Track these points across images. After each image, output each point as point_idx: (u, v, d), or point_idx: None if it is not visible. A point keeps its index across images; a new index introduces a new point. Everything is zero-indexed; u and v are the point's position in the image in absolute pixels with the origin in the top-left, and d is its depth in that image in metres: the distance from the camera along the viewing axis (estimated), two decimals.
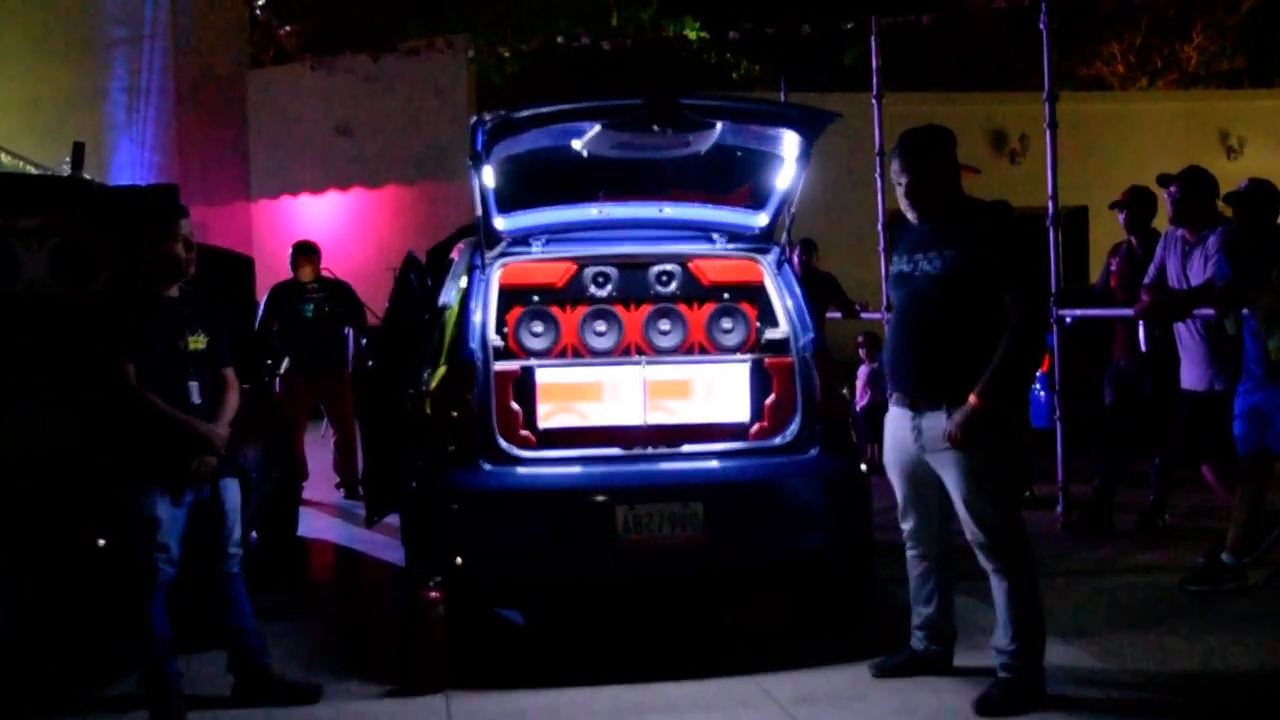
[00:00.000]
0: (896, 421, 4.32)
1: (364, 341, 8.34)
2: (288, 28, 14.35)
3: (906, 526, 4.43)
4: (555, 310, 5.47)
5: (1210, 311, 5.76)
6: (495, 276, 5.16)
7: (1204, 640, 4.81)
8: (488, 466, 4.73)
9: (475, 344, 4.92)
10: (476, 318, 4.99)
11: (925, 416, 4.17)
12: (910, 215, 4.32)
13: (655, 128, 4.87)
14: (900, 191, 4.28)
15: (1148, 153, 13.67)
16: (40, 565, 4.58)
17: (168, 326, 4.29)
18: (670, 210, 5.53)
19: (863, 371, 9.53)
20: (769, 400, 5.18)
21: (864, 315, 9.27)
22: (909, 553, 4.45)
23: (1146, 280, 6.27)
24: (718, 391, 5.25)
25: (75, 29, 14.76)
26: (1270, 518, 5.62)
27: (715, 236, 5.47)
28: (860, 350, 9.65)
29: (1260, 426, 5.35)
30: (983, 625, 4.54)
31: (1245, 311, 5.42)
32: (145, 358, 4.20)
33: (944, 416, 4.09)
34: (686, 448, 4.96)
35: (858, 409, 8.98)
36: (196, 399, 4.29)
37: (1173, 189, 6.08)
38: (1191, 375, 6.01)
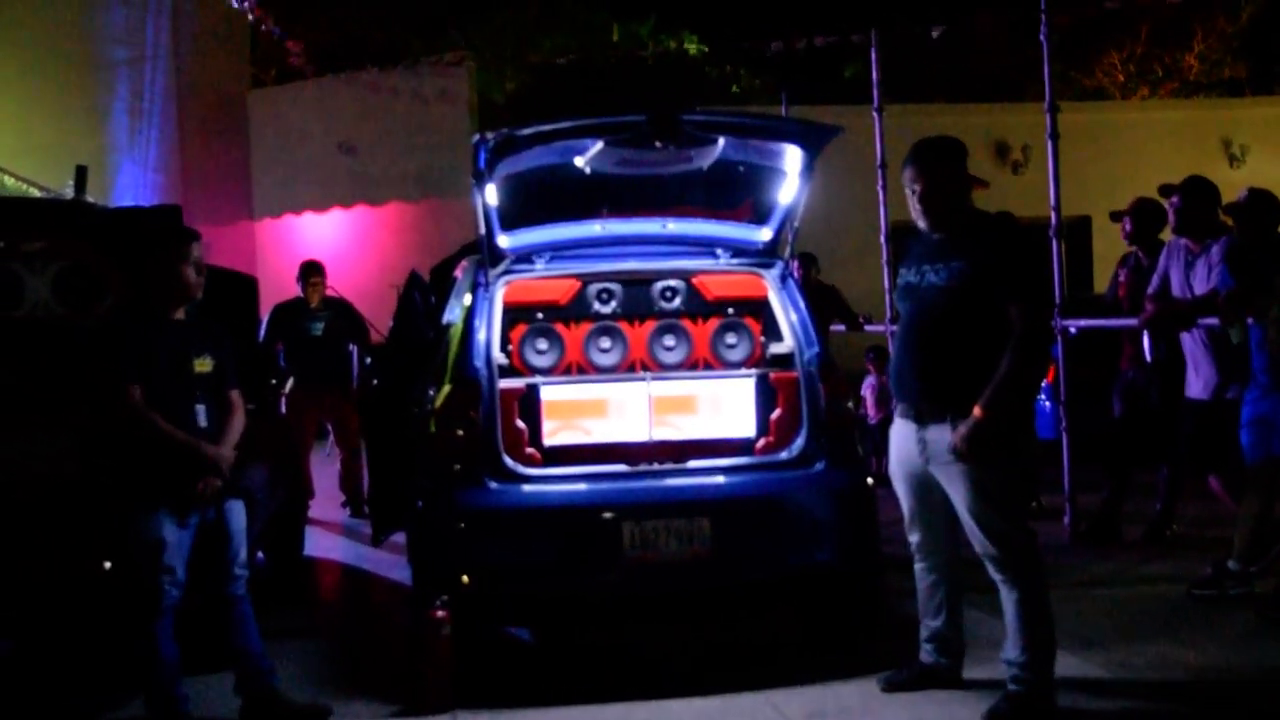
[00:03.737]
0: (902, 434, 4.31)
1: (368, 360, 8.33)
2: (282, 38, 14.26)
3: (914, 539, 4.41)
4: (559, 327, 5.47)
5: (1215, 320, 5.74)
6: (499, 294, 5.14)
7: (1211, 651, 4.79)
8: (494, 484, 4.71)
9: (480, 362, 4.90)
10: (481, 335, 4.97)
11: (930, 429, 4.15)
12: (922, 223, 4.30)
13: (658, 144, 4.86)
14: (913, 198, 4.27)
15: (1150, 162, 13.64)
16: (47, 589, 4.58)
17: (175, 349, 4.29)
18: (674, 226, 5.52)
19: (870, 384, 9.48)
20: (774, 415, 5.17)
21: (868, 328, 9.26)
22: (916, 566, 4.43)
23: (1150, 290, 6.24)
24: (723, 407, 5.23)
25: (77, 51, 14.77)
26: (1277, 526, 5.60)
27: (719, 252, 5.45)
28: (868, 363, 9.61)
29: (1267, 435, 5.33)
30: (992, 638, 4.50)
31: (1250, 320, 5.42)
32: (152, 380, 4.20)
33: (949, 429, 4.07)
34: (692, 463, 4.94)
35: (870, 423, 8.96)
36: (203, 421, 4.29)
37: (1174, 199, 6.07)
38: (1197, 384, 5.98)
